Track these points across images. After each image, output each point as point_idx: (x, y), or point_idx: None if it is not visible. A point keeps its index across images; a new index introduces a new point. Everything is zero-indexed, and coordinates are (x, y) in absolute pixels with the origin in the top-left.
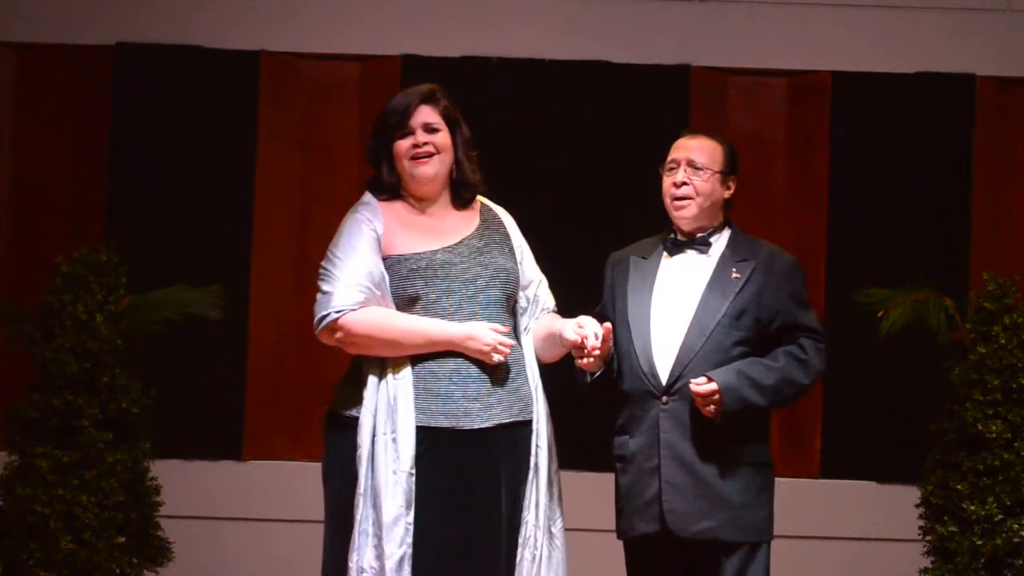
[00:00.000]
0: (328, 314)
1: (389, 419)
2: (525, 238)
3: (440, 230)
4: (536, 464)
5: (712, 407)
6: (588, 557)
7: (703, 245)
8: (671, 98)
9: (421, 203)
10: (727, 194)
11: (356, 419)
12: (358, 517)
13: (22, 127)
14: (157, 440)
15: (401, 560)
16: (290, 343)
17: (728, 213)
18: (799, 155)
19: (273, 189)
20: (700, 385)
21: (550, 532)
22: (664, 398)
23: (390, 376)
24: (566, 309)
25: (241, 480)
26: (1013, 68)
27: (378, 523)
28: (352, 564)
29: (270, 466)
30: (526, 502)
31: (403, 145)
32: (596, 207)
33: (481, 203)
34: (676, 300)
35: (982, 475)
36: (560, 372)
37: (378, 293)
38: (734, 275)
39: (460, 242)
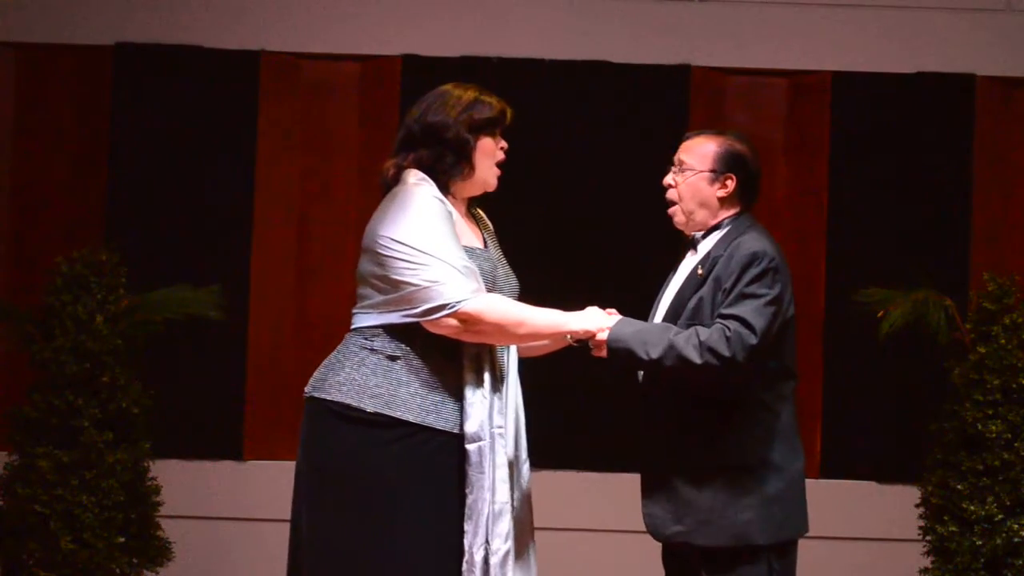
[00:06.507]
0: (448, 304)
1: (500, 414)
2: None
3: (473, 227)
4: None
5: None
6: (587, 556)
7: (693, 246)
8: (671, 98)
9: (455, 200)
10: (721, 193)
11: (390, 417)
12: (485, 511)
13: (22, 127)
14: (157, 440)
15: (506, 555)
16: (290, 343)
17: (741, 208)
18: (799, 155)
19: (273, 189)
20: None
21: None
22: (642, 398)
23: (492, 371)
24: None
25: (241, 480)
26: (1013, 68)
27: (490, 517)
28: (477, 556)
29: (270, 466)
30: None
31: (492, 145)
32: (595, 207)
33: None
34: (663, 303)
35: (982, 475)
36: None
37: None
38: (699, 273)
39: (486, 242)
